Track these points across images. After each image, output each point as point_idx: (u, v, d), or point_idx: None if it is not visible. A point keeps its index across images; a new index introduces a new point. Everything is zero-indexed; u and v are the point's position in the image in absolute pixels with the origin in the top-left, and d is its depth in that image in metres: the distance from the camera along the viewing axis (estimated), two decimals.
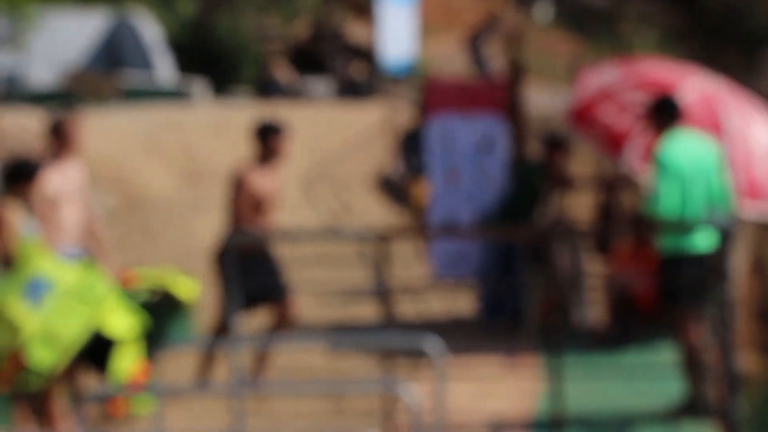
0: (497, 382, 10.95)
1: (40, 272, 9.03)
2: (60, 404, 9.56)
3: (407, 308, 13.91)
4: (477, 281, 13.59)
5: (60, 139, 10.31)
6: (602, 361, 11.66)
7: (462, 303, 14.21)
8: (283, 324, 10.68)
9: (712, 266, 9.50)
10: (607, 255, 13.15)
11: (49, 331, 8.89)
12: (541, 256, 12.51)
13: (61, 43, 34.34)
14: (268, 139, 10.75)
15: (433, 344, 7.77)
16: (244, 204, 10.50)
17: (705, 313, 9.93)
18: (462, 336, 12.57)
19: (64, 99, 30.44)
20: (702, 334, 9.95)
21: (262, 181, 10.63)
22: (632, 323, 12.22)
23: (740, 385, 8.47)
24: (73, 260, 9.59)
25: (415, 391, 7.59)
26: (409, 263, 15.75)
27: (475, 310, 13.66)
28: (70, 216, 10.10)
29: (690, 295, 9.81)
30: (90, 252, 10.20)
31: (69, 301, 9.12)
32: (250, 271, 10.15)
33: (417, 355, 8.97)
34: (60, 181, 10.07)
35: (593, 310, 13.68)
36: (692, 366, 9.91)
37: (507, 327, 12.89)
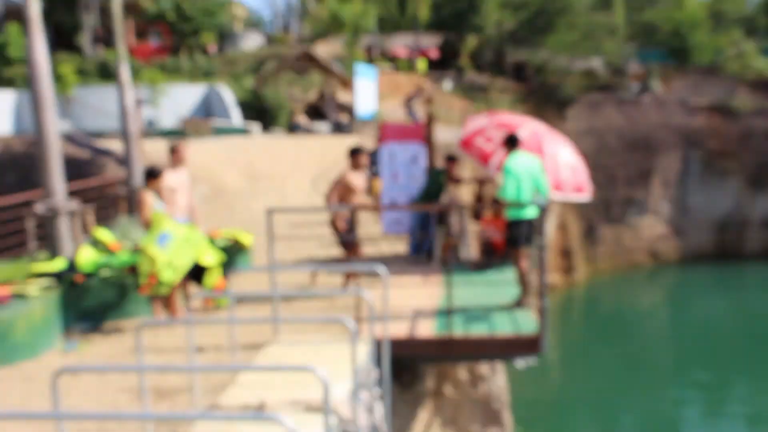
0: (418, 289, 11.02)
1: (166, 230, 9.14)
2: (178, 301, 9.61)
3: (369, 249, 13.97)
4: (408, 234, 13.66)
5: (175, 156, 10.40)
6: (475, 278, 11.76)
7: (399, 246, 14.27)
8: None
9: (535, 226, 9.65)
10: (478, 220, 13.29)
11: (171, 262, 9.01)
12: (443, 220, 12.65)
13: (178, 103, 34.45)
14: (355, 156, 11.35)
15: (381, 269, 7.83)
16: (343, 192, 11.03)
17: (531, 252, 10.08)
18: (399, 264, 12.67)
19: (180, 134, 30.59)
20: (528, 263, 10.10)
21: (354, 180, 11.18)
22: (492, 258, 12.37)
23: (548, 291, 8.56)
24: (183, 223, 9.68)
25: (371, 295, 7.65)
26: (370, 224, 15.83)
27: (407, 250, 13.72)
28: (181, 199, 10.20)
29: (523, 242, 9.96)
30: (192, 219, 10.29)
31: (181, 245, 9.24)
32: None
33: (373, 275, 9.02)
34: (175, 179, 10.18)
35: (471, 250, 13.81)
36: (522, 281, 10.06)
37: (424, 260, 12.98)
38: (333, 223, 11.08)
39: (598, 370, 30.42)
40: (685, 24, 51.52)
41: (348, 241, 11.05)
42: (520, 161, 10.14)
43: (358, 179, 11.25)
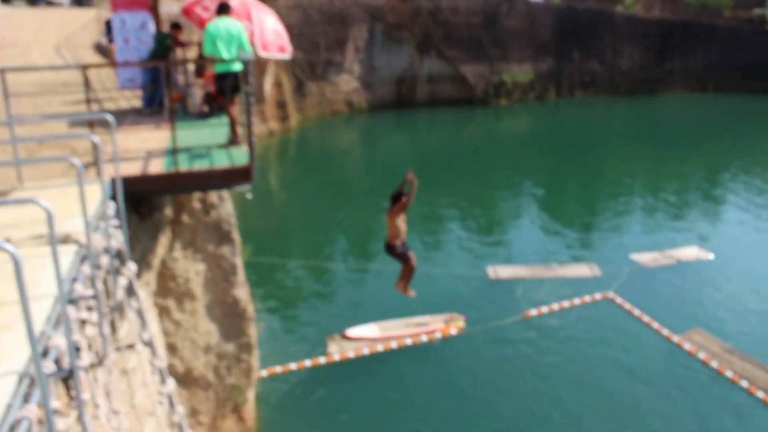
0: (151, 134, 10.34)
1: None
2: None
3: (109, 105, 12.91)
4: (141, 88, 12.69)
5: None
6: (199, 123, 11.27)
7: (135, 100, 13.24)
8: None
9: (241, 78, 9.38)
10: (201, 77, 12.71)
11: None
12: (169, 77, 11.90)
13: None
14: None
15: (109, 117, 7.15)
16: None
17: (239, 100, 9.76)
18: (135, 116, 11.81)
19: None
20: (237, 108, 9.78)
21: None
22: (212, 107, 11.88)
23: (252, 130, 8.35)
24: None
25: (101, 139, 7.03)
26: (108, 82, 14.64)
27: (141, 103, 12.78)
28: None
29: (230, 91, 9.64)
30: None
31: None
32: None
33: (106, 123, 8.31)
34: None
35: (196, 101, 13.16)
36: (232, 123, 9.75)
37: (156, 110, 12.16)
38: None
39: (311, 195, 31.16)
40: None
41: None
42: (220, 24, 9.76)
43: None
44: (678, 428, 15.46)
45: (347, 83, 48.53)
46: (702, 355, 18.09)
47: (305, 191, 31.89)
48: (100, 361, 6.11)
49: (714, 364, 17.72)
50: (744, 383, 16.92)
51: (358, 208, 29.70)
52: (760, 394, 16.50)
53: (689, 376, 17.43)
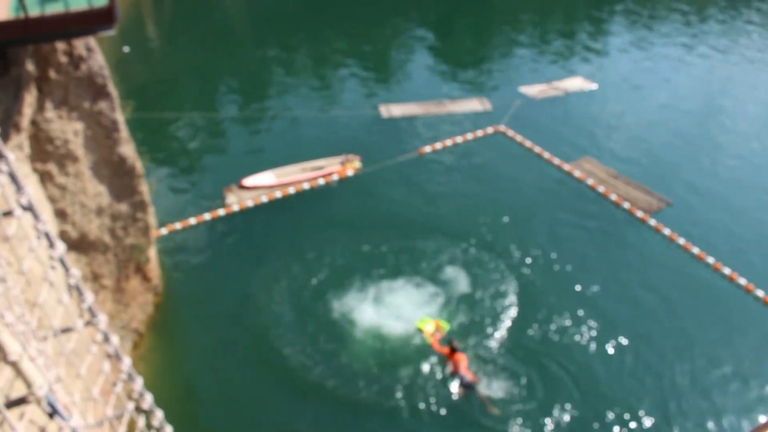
0: None
1: None
2: None
3: None
4: None
5: None
6: None
7: None
8: None
9: None
10: None
11: None
12: None
13: None
14: None
15: None
16: None
17: None
18: None
19: None
20: None
21: None
22: None
23: None
24: None
25: None
26: None
27: None
28: None
29: None
30: None
31: None
32: None
33: None
34: None
35: None
36: None
37: None
38: None
39: (193, 44, 29.23)
40: None
41: None
42: None
43: None
44: (573, 243, 16.60)
45: None
46: (591, 181, 18.88)
47: (187, 41, 29.84)
48: None
49: (601, 188, 18.57)
50: (626, 204, 17.95)
51: (243, 53, 28.25)
52: (639, 214, 17.59)
53: (580, 199, 18.27)
